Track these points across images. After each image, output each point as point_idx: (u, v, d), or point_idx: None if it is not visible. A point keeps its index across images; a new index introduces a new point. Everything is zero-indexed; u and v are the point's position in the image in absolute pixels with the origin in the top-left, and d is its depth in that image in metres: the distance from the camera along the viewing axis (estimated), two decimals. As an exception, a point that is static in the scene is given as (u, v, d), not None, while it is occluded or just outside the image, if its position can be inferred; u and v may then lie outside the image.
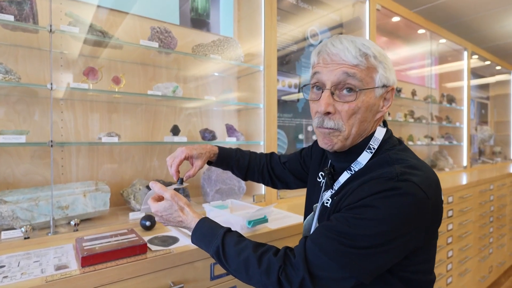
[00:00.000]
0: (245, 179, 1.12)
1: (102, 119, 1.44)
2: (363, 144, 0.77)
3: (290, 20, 2.06)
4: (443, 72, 3.68)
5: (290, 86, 2.03)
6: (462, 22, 3.20)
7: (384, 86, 0.73)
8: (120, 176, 1.48)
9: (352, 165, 0.78)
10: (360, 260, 0.62)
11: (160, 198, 0.87)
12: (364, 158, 0.77)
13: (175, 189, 0.90)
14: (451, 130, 3.49)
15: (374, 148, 0.76)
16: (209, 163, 1.05)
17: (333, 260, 0.63)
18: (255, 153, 1.14)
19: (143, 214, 1.28)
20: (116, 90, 1.34)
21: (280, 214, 1.44)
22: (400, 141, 0.80)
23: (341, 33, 0.94)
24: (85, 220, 1.22)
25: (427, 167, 0.70)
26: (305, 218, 0.97)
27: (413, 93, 2.90)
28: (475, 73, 4.15)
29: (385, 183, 0.64)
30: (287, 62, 2.04)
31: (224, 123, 1.77)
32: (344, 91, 0.71)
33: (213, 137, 1.57)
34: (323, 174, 0.93)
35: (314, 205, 0.92)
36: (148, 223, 1.16)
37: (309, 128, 2.17)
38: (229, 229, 0.80)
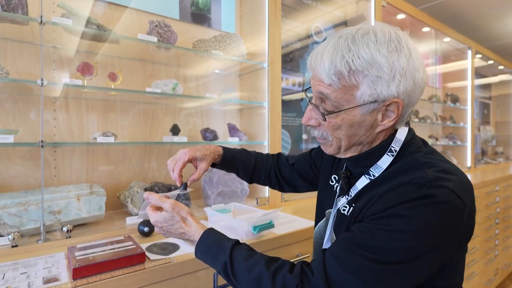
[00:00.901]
0: (250, 182, 1.05)
1: (98, 118, 1.37)
2: (382, 147, 0.70)
3: (293, 16, 1.99)
4: (446, 71, 3.62)
5: (293, 85, 1.96)
6: (466, 20, 3.15)
7: (374, 101, 0.62)
8: (116, 178, 1.41)
9: (371, 169, 0.71)
10: (387, 277, 0.55)
11: (159, 207, 0.79)
12: (385, 161, 0.69)
13: (178, 195, 0.83)
14: (455, 130, 3.44)
15: (395, 151, 0.69)
16: (213, 165, 0.98)
17: (356, 277, 0.56)
18: (261, 154, 1.06)
19: (141, 219, 1.20)
20: (112, 87, 1.26)
21: (286, 218, 1.36)
22: (424, 142, 0.73)
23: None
24: (79, 225, 1.14)
25: (460, 171, 0.62)
26: (316, 224, 0.90)
27: (418, 93, 2.84)
28: (478, 73, 4.10)
29: (416, 190, 0.56)
30: (290, 60, 1.97)
31: (225, 122, 1.69)
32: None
33: (215, 137, 1.50)
34: (336, 177, 0.86)
35: (327, 211, 0.85)
36: (146, 229, 1.09)
37: (313, 128, 2.10)
38: (237, 242, 0.73)
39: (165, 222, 0.75)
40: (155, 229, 0.78)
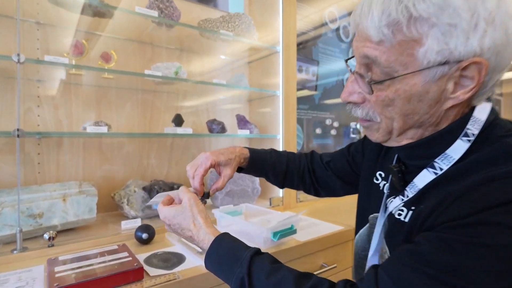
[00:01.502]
0: (282, 186, 0.89)
1: (90, 107, 1.19)
2: (453, 130, 0.51)
3: (306, 0, 1.81)
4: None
5: (307, 73, 1.79)
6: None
7: (444, 63, 0.45)
8: (111, 175, 1.23)
9: (436, 160, 0.53)
10: None
11: (171, 201, 0.68)
12: (458, 149, 0.51)
13: (204, 196, 0.72)
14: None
15: (473, 135, 0.51)
16: (239, 169, 0.84)
17: None
18: (293, 153, 0.91)
19: (138, 223, 1.03)
20: (106, 68, 1.08)
21: (305, 222, 1.19)
22: None
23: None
24: (65, 231, 0.97)
25: None
26: (357, 231, 0.73)
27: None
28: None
29: None
30: (303, 47, 1.80)
31: (233, 113, 1.52)
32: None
33: (223, 129, 1.32)
34: (382, 174, 0.69)
35: (371, 216, 0.67)
36: (145, 236, 0.92)
37: (328, 122, 1.93)
38: (257, 251, 0.57)
39: (174, 218, 0.63)
40: (166, 227, 0.66)
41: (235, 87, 1.39)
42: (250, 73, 1.60)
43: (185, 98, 1.42)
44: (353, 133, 2.07)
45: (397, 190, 0.60)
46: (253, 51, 1.57)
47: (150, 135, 1.31)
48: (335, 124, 1.97)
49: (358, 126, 2.06)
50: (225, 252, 0.57)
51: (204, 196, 0.71)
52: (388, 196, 0.63)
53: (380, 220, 0.63)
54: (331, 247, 1.05)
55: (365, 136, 0.81)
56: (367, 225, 0.69)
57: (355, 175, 0.81)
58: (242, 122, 1.43)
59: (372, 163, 0.73)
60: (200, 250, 0.62)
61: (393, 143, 0.57)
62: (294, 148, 1.43)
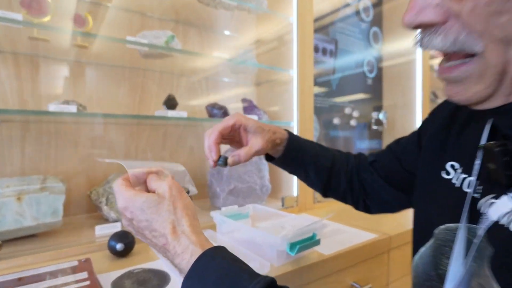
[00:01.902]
0: (325, 193, 0.68)
1: (65, 85, 0.98)
2: None
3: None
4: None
5: (324, 54, 1.55)
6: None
7: None
8: (90, 168, 1.02)
9: None
10: None
11: (143, 184, 0.45)
12: None
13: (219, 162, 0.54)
14: None
15: None
16: (268, 158, 0.65)
17: None
18: (338, 150, 0.70)
19: (117, 228, 0.81)
20: (79, 43, 0.87)
21: (328, 227, 0.96)
22: None
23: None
24: (19, 239, 0.76)
25: None
26: (415, 249, 0.50)
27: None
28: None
29: None
30: (319, 25, 1.56)
31: (238, 98, 1.29)
32: None
33: (225, 114, 1.10)
34: (456, 165, 0.46)
35: (442, 228, 0.45)
36: (120, 246, 0.70)
37: (347, 111, 1.69)
38: (270, 284, 0.35)
39: (142, 210, 0.40)
40: (123, 221, 0.42)
41: (239, 63, 1.15)
42: (259, 54, 1.37)
43: (181, 79, 1.20)
44: (375, 124, 1.82)
45: (499, 184, 0.37)
46: (261, 23, 1.34)
47: (134, 117, 1.09)
48: (355, 114, 1.73)
49: (381, 116, 1.81)
50: (216, 278, 0.35)
51: (221, 159, 0.54)
52: (482, 195, 0.40)
53: (462, 235, 0.40)
54: (363, 262, 0.81)
55: (421, 126, 0.58)
56: (431, 241, 0.46)
57: (408, 175, 0.58)
58: (249, 107, 1.20)
59: (436, 153, 0.50)
60: (175, 271, 0.39)
61: (496, 101, 0.34)
62: (311, 139, 1.20)
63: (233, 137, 0.60)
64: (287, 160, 0.64)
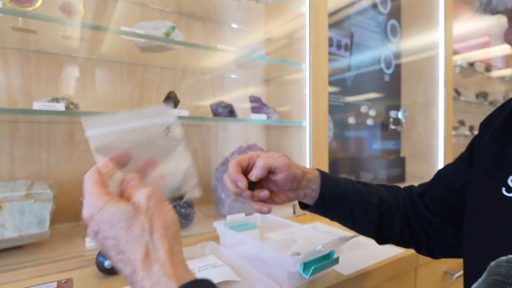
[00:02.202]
0: (381, 239, 0.57)
1: (59, 82, 0.91)
2: None
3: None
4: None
5: (339, 47, 1.44)
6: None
7: None
8: (84, 173, 0.94)
9: None
10: None
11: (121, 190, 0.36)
12: None
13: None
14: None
15: None
16: (303, 206, 0.57)
17: None
18: (379, 184, 0.61)
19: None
20: (69, 35, 0.79)
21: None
22: None
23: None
24: (0, 252, 0.68)
25: None
26: (468, 283, 0.39)
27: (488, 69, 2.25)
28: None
29: None
30: (333, 18, 1.45)
31: (246, 96, 1.20)
32: None
33: (231, 113, 1.00)
34: None
35: (501, 260, 0.34)
36: (108, 263, 0.61)
37: (363, 109, 1.57)
38: None
39: (110, 224, 0.31)
40: (88, 230, 0.33)
41: (247, 56, 1.06)
42: (268, 48, 1.27)
43: (184, 76, 1.12)
44: (393, 124, 1.70)
45: None
46: (271, 15, 1.24)
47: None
48: (372, 113, 1.61)
49: (399, 115, 1.69)
50: None
51: (250, 186, 0.49)
52: None
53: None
54: (387, 282, 0.71)
55: (475, 136, 0.48)
56: (486, 275, 0.36)
57: (459, 203, 0.47)
58: (257, 105, 1.10)
59: (493, 165, 0.39)
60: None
61: None
62: (325, 140, 1.09)
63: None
64: (327, 203, 0.54)
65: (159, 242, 0.31)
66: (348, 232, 0.90)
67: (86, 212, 0.32)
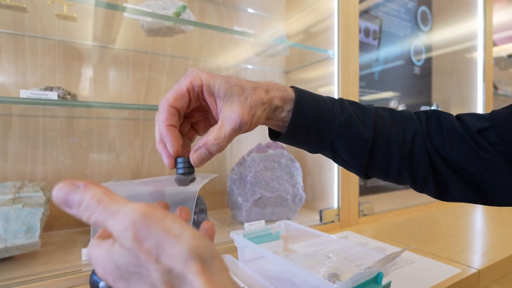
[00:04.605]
0: (365, 175, 0.43)
1: (58, 72, 0.81)
2: None
3: None
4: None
5: (367, 35, 1.31)
6: None
7: None
8: (86, 172, 0.84)
9: None
10: None
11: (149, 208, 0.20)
12: None
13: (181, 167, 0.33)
14: None
15: None
16: (273, 134, 0.43)
17: None
18: (389, 110, 0.44)
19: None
20: (65, 8, 0.69)
21: (397, 260, 0.72)
22: None
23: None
24: (-20, 267, 0.58)
25: None
26: None
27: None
28: None
29: None
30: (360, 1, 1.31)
31: (265, 88, 1.07)
32: None
33: (250, 106, 0.88)
34: None
35: None
36: (103, 285, 0.50)
37: (392, 104, 1.43)
38: None
39: (110, 273, 0.20)
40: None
41: (266, 39, 0.94)
42: (290, 33, 1.15)
43: (197, 64, 1.01)
44: (425, 121, 1.54)
45: None
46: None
47: (137, 108, 0.90)
48: (401, 108, 1.46)
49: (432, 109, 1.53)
50: None
51: (181, 164, 0.32)
52: None
53: None
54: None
55: None
56: None
57: None
58: (277, 98, 0.98)
59: None
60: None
61: None
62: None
63: (198, 109, 0.37)
64: (299, 134, 0.39)
65: (187, 274, 0.18)
66: (387, 245, 0.77)
67: (92, 260, 0.21)
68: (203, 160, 0.32)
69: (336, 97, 0.92)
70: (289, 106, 0.38)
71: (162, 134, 0.31)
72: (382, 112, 0.42)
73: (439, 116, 0.42)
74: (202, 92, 0.33)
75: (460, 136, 0.39)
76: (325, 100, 0.41)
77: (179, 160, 0.32)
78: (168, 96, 0.32)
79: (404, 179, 0.43)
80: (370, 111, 0.41)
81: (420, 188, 0.43)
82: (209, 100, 0.34)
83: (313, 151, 0.43)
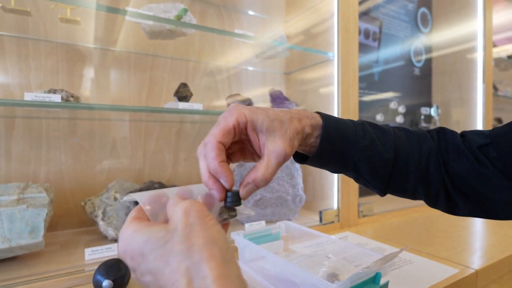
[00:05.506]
0: (384, 191, 0.44)
1: (61, 74, 0.82)
2: None
3: None
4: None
5: (366, 37, 1.31)
6: None
7: None
8: (88, 174, 0.85)
9: None
10: None
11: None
12: None
13: (224, 216, 0.35)
14: None
15: None
16: (300, 157, 0.44)
17: None
18: (398, 128, 0.46)
19: (113, 252, 0.63)
20: (68, 11, 0.70)
21: (395, 260, 0.73)
22: None
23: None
24: (-15, 266, 0.59)
25: None
26: None
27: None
28: None
29: None
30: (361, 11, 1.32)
31: (265, 90, 1.09)
32: None
33: (250, 108, 0.89)
34: None
35: None
36: (107, 284, 0.51)
37: (392, 105, 1.43)
38: None
39: (143, 260, 0.25)
40: (132, 273, 0.28)
41: (266, 40, 0.95)
42: (290, 36, 1.16)
43: (197, 68, 1.02)
44: (425, 122, 1.55)
45: None
46: (293, 0, 1.13)
47: (140, 110, 0.91)
48: (401, 109, 1.47)
49: (432, 112, 1.54)
50: None
51: (230, 198, 0.34)
52: None
53: None
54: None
55: None
56: None
57: None
58: (278, 99, 0.99)
59: None
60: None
61: None
62: (354, 138, 0.97)
63: (236, 142, 0.38)
64: (326, 158, 0.41)
65: (203, 266, 0.23)
66: (386, 245, 0.78)
67: (119, 248, 0.27)
68: (251, 194, 0.35)
69: (336, 97, 0.93)
70: (316, 132, 0.40)
71: (215, 171, 0.32)
72: (399, 132, 0.45)
73: (445, 133, 0.44)
74: (245, 128, 0.35)
75: (463, 153, 0.41)
76: (348, 124, 0.42)
77: (229, 194, 0.34)
78: (215, 132, 0.33)
79: (419, 195, 0.45)
80: (389, 132, 0.43)
81: (433, 203, 0.45)
82: (252, 135, 0.35)
83: (336, 171, 0.45)
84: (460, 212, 0.44)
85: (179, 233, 0.25)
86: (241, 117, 0.34)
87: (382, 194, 0.45)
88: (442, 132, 0.44)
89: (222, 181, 0.33)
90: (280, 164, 0.35)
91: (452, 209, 0.44)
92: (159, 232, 0.25)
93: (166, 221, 0.28)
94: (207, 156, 0.33)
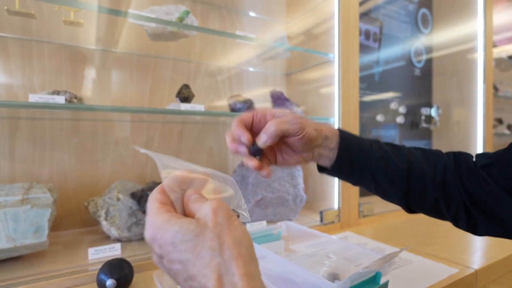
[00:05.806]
0: (409, 209, 0.49)
1: (64, 76, 0.83)
2: None
3: None
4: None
5: (367, 38, 1.32)
6: None
7: None
8: (91, 174, 0.86)
9: None
10: None
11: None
12: None
13: (252, 153, 0.42)
14: None
15: None
16: (320, 169, 0.49)
17: None
18: (420, 148, 0.50)
19: (116, 252, 0.64)
20: (72, 14, 0.70)
21: (396, 260, 0.73)
22: None
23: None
24: (-10, 266, 0.60)
25: None
26: None
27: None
28: None
29: None
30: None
31: (266, 91, 1.09)
32: None
33: (251, 109, 0.90)
34: None
35: None
36: (110, 283, 0.52)
37: (392, 106, 1.44)
38: None
39: (174, 249, 0.26)
40: (153, 257, 0.29)
41: (267, 41, 0.95)
42: (291, 37, 1.16)
43: (199, 68, 1.02)
44: (425, 122, 1.55)
45: None
46: (294, 2, 1.13)
47: (142, 111, 0.92)
48: (402, 110, 1.47)
49: (432, 112, 1.54)
50: None
51: (254, 149, 0.42)
52: None
53: None
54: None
55: None
56: None
57: None
58: (279, 100, 1.00)
59: None
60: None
61: None
62: (355, 138, 0.98)
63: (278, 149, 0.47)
64: (345, 166, 0.45)
65: (232, 263, 0.25)
66: (386, 245, 0.78)
67: (148, 233, 0.28)
68: (266, 144, 0.41)
69: (336, 98, 0.94)
70: (335, 139, 0.45)
71: (235, 132, 0.41)
72: (413, 150, 0.48)
73: (460, 154, 0.47)
74: (265, 116, 0.43)
75: (473, 171, 0.44)
76: (363, 138, 0.47)
77: (250, 147, 0.42)
78: (239, 116, 0.43)
79: (442, 210, 0.46)
80: (403, 148, 0.47)
81: (454, 220, 0.47)
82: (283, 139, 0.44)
83: (355, 183, 0.48)
84: (480, 231, 0.45)
85: (209, 230, 0.26)
86: (263, 110, 0.44)
87: (404, 205, 0.48)
88: (457, 154, 0.47)
89: (242, 139, 0.41)
90: (282, 130, 0.41)
91: (473, 226, 0.46)
92: (190, 225, 0.27)
93: (183, 212, 0.31)
94: (233, 127, 0.41)
